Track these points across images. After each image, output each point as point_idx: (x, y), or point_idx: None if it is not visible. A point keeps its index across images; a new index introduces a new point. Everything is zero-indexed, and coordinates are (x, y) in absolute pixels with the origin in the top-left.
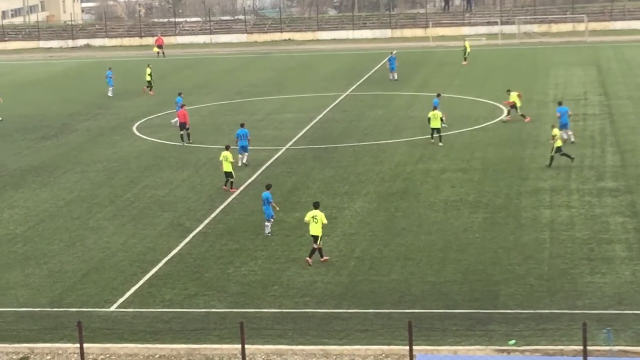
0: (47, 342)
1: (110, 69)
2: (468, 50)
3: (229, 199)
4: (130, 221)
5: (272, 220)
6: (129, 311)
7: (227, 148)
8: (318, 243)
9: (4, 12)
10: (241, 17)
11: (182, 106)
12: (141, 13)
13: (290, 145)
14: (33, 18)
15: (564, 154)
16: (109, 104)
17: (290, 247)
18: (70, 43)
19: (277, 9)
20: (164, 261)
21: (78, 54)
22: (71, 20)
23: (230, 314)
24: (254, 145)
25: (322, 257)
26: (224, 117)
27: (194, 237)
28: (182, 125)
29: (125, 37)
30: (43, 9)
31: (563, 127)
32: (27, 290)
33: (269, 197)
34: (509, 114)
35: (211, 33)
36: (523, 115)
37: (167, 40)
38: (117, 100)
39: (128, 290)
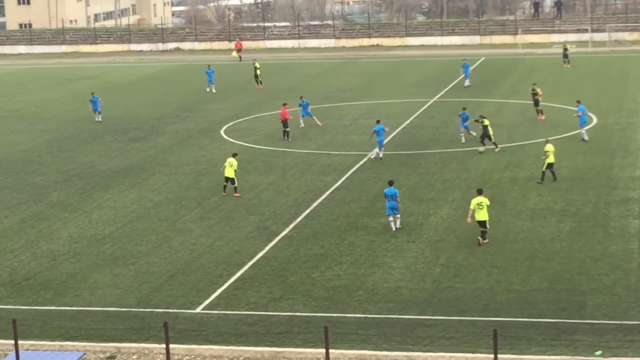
0: (134, 342)
1: (209, 66)
2: (569, 51)
3: (315, 204)
4: (216, 224)
5: (397, 215)
6: (214, 313)
7: (234, 155)
8: (487, 227)
9: (96, 15)
10: (329, 22)
11: (284, 104)
12: (230, 17)
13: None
14: (124, 21)
15: (552, 172)
16: (198, 107)
17: (375, 253)
18: (160, 46)
19: (366, 15)
20: (249, 264)
21: (168, 57)
22: (162, 24)
23: (314, 318)
24: (341, 151)
25: (484, 239)
26: (311, 122)
27: (279, 240)
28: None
29: (214, 40)
30: (134, 13)
31: (582, 124)
32: (115, 290)
33: (395, 193)
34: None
35: (299, 38)
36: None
37: (255, 44)
38: (206, 104)
39: (214, 292)
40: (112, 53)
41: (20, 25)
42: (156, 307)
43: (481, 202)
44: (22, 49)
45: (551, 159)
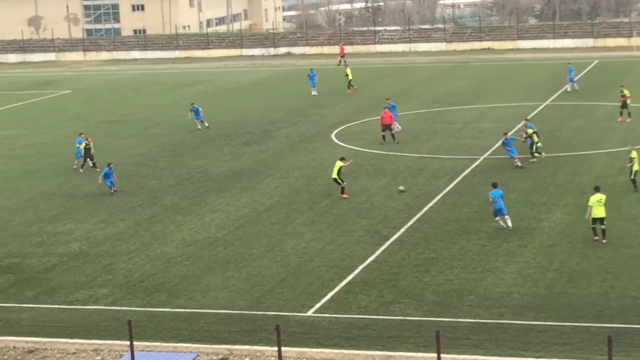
0: (246, 344)
1: (311, 70)
2: None
3: (426, 208)
4: (327, 227)
5: (506, 216)
6: (325, 316)
7: (342, 159)
8: (604, 224)
9: (208, 21)
10: (440, 25)
11: (385, 108)
12: (341, 21)
13: (488, 155)
14: (236, 26)
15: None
16: (309, 111)
17: (487, 257)
18: (272, 51)
19: (477, 18)
20: (360, 268)
21: (279, 62)
22: (273, 29)
23: (425, 322)
24: (452, 155)
25: (604, 237)
26: (422, 126)
27: (390, 244)
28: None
29: (325, 45)
30: (246, 18)
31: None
32: (227, 293)
33: (501, 194)
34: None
35: (410, 42)
36: (629, 114)
37: (366, 48)
38: (317, 108)
39: (325, 295)
40: (224, 58)
41: (135, 31)
42: (268, 310)
43: (601, 199)
44: (136, 54)
45: (636, 167)
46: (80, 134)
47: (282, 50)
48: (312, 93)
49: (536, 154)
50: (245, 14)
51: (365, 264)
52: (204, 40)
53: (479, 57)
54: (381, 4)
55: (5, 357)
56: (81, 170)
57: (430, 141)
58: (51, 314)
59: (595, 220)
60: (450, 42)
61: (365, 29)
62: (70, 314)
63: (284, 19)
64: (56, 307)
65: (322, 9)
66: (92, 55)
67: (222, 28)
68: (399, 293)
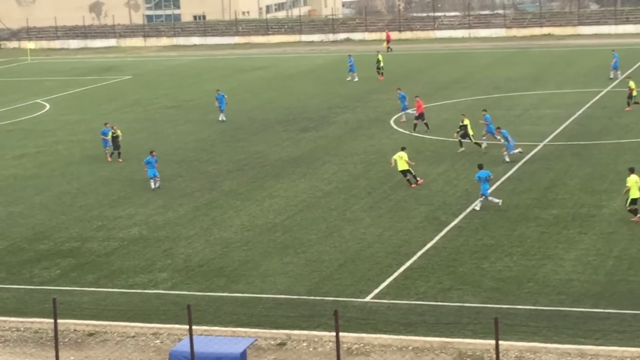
0: (304, 330)
1: (349, 56)
2: None
3: None
4: (386, 213)
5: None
6: (383, 302)
7: (403, 149)
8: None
9: (268, 7)
10: (500, 11)
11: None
12: (400, 7)
13: (548, 142)
14: (295, 12)
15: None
16: (367, 97)
17: (546, 244)
18: (330, 37)
19: (537, 3)
20: (418, 254)
21: (338, 48)
22: (332, 15)
23: (484, 309)
24: None
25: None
26: (480, 112)
27: (449, 231)
28: (420, 116)
29: (384, 31)
30: (305, 4)
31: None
32: (286, 278)
33: (489, 175)
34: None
35: (470, 27)
36: (637, 103)
37: (425, 34)
38: (375, 93)
39: (383, 281)
40: (283, 44)
41: (195, 17)
42: (326, 296)
43: (638, 181)
44: (196, 40)
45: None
46: (105, 124)
47: (341, 36)
48: (354, 79)
49: (477, 144)
50: (305, 0)
51: (423, 250)
52: (264, 26)
53: (539, 43)
54: None
55: (66, 339)
56: (109, 159)
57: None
58: (111, 297)
59: (634, 200)
60: (510, 28)
61: (425, 14)
62: (129, 297)
63: (343, 5)
64: (116, 290)
65: None
66: (152, 41)
67: (281, 14)
68: (458, 279)
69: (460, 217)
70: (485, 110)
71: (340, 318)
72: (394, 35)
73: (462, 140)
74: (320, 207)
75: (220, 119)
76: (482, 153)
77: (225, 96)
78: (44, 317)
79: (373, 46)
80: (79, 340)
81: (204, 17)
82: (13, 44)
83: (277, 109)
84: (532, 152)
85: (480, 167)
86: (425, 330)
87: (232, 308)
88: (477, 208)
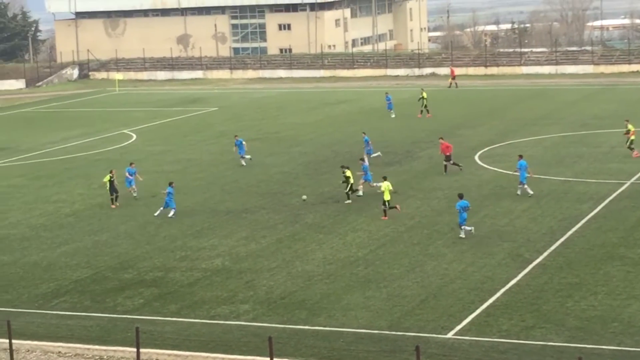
0: None
1: (387, 93)
2: None
3: (570, 232)
4: (469, 249)
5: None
6: (465, 339)
7: (385, 178)
8: None
9: (354, 41)
10: (588, 48)
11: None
12: (487, 43)
13: (635, 180)
14: (381, 46)
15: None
16: (452, 132)
17: (632, 284)
18: (416, 71)
19: (626, 40)
20: (501, 291)
21: (424, 82)
22: (418, 49)
23: (567, 348)
24: (598, 179)
25: None
26: (567, 149)
27: (532, 268)
28: (448, 157)
29: (470, 66)
30: (391, 38)
31: None
32: (367, 313)
33: (467, 205)
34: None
35: (557, 64)
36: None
37: (512, 70)
38: (460, 129)
39: (465, 318)
40: (369, 78)
41: (281, 50)
42: (407, 331)
43: None
44: (282, 73)
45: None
46: (131, 164)
47: (427, 70)
48: (392, 116)
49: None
50: (391, 34)
51: (506, 287)
52: (349, 60)
53: (627, 80)
54: (528, 25)
55: None
56: (113, 206)
57: (576, 164)
58: (193, 327)
59: None
60: (598, 64)
61: (511, 50)
62: (211, 328)
63: (429, 40)
64: (198, 321)
65: (468, 29)
66: (239, 74)
67: (367, 48)
68: (541, 318)
69: (545, 254)
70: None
71: (422, 354)
72: (480, 70)
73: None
74: (402, 242)
75: (242, 164)
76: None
77: (244, 142)
78: (126, 346)
79: (459, 81)
80: None
81: (290, 50)
82: (102, 75)
83: (361, 143)
84: (619, 190)
85: (461, 196)
86: None
87: (313, 341)
88: (462, 235)
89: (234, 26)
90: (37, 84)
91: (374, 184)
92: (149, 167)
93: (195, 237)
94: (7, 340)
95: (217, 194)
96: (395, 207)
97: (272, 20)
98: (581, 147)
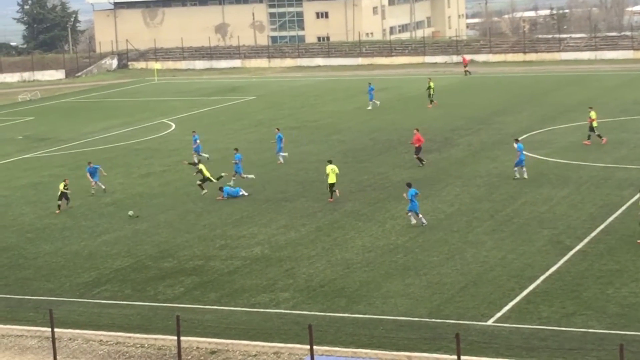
0: (425, 352)
1: (370, 84)
2: None
3: (610, 219)
4: (509, 236)
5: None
6: (505, 326)
7: (330, 162)
8: None
9: (391, 28)
10: (628, 33)
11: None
12: (525, 29)
13: None
14: (419, 34)
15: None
16: (491, 119)
17: None
18: (454, 58)
19: None
20: (541, 278)
21: (462, 69)
22: (456, 36)
23: (608, 335)
24: (638, 165)
25: None
26: (607, 135)
27: (573, 255)
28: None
29: (509, 52)
30: (429, 25)
31: None
32: (407, 300)
33: (415, 193)
34: (589, 137)
35: (596, 49)
36: (600, 136)
37: (550, 56)
38: (499, 116)
39: (505, 305)
40: (407, 65)
41: (319, 38)
42: (447, 318)
43: None
44: (319, 61)
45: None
46: (89, 163)
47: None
48: (368, 108)
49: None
50: (429, 21)
51: (547, 274)
52: (387, 48)
53: None
54: (566, 11)
55: (189, 357)
56: (57, 212)
57: (616, 151)
58: (233, 316)
59: None
60: (638, 49)
61: (550, 36)
62: (251, 316)
63: (467, 27)
64: (238, 309)
65: (506, 16)
66: (277, 62)
67: (405, 35)
68: (582, 304)
69: (585, 241)
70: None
71: (462, 341)
72: (519, 57)
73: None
74: (442, 229)
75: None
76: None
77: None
78: (167, 334)
79: (498, 68)
80: (202, 358)
81: (328, 38)
82: (140, 65)
83: (399, 131)
84: None
85: (409, 185)
86: (548, 356)
87: (353, 329)
88: (414, 222)
89: (272, 15)
90: (77, 74)
91: (245, 176)
92: (189, 156)
93: (234, 226)
94: (50, 329)
95: (256, 183)
96: (335, 192)
97: (309, 9)
98: (621, 133)
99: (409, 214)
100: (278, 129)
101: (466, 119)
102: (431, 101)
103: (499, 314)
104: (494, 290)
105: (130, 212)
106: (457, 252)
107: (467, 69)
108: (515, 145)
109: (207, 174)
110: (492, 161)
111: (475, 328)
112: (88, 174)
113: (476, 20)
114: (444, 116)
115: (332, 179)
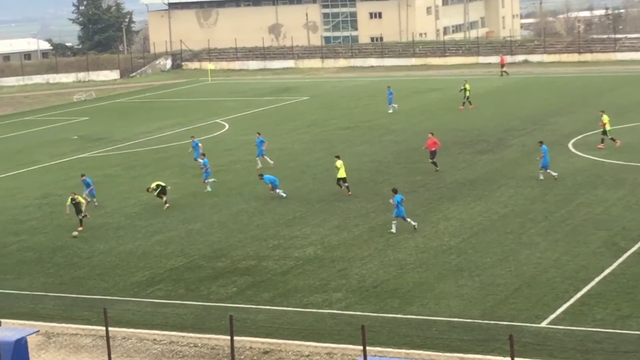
0: (478, 354)
1: (389, 87)
2: None
3: None
4: (563, 238)
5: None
6: (559, 328)
7: (338, 157)
8: None
9: (445, 28)
10: None
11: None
12: (580, 29)
13: None
14: (473, 34)
15: None
16: (545, 119)
17: None
18: (508, 59)
19: None
20: (596, 280)
21: (516, 70)
22: (510, 36)
23: None
24: None
25: None
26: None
27: (628, 257)
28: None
29: (563, 53)
30: (483, 25)
31: None
32: (460, 301)
33: (401, 199)
34: (602, 141)
35: None
36: (613, 139)
37: (606, 56)
38: (553, 116)
39: (559, 307)
40: (460, 65)
41: (372, 39)
42: (500, 320)
43: None
44: (372, 61)
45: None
46: (82, 175)
47: (519, 58)
48: (389, 111)
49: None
50: (483, 21)
51: (601, 276)
52: (441, 48)
53: None
54: (622, 11)
55: (242, 356)
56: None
57: None
58: (286, 316)
59: None
60: None
61: (605, 36)
62: (304, 316)
63: (521, 27)
64: (291, 309)
65: (561, 16)
66: (330, 63)
67: (458, 35)
68: (637, 307)
69: None
70: None
71: (516, 343)
72: (573, 57)
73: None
74: (495, 231)
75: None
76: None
77: (200, 144)
78: (220, 334)
79: (552, 68)
80: (255, 357)
81: (381, 38)
82: (194, 65)
83: (453, 131)
84: None
85: (395, 191)
86: (603, 359)
87: (406, 330)
88: (393, 230)
89: (325, 15)
90: (131, 75)
91: (208, 180)
92: (242, 156)
93: (287, 226)
94: (104, 328)
95: (309, 183)
96: (346, 188)
97: (363, 9)
98: None
99: (394, 221)
100: (259, 134)
101: (520, 119)
102: (463, 103)
103: (553, 316)
104: (547, 292)
105: (75, 233)
106: (511, 253)
107: (504, 69)
108: (541, 147)
109: (82, 209)
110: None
111: (528, 330)
112: (84, 187)
113: (530, 20)
114: (497, 117)
115: (341, 174)
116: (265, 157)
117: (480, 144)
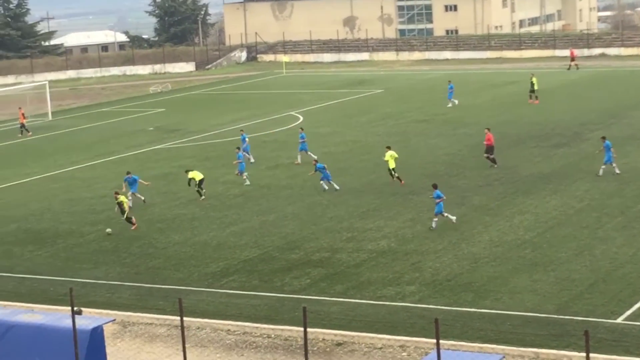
0: (553, 349)
1: (449, 81)
2: None
3: None
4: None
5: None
6: (635, 324)
7: (389, 148)
8: None
9: (521, 21)
10: None
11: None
12: None
13: None
14: (549, 27)
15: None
16: (623, 113)
17: None
18: (585, 52)
19: None
20: None
21: (593, 63)
22: (587, 29)
23: None
24: None
25: None
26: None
27: None
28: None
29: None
30: (559, 18)
31: None
32: (534, 296)
33: (439, 195)
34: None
35: None
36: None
37: None
38: (631, 110)
39: (635, 303)
40: (536, 59)
41: (447, 32)
42: (575, 315)
43: None
44: (447, 54)
45: None
46: (127, 172)
47: (596, 51)
48: (448, 105)
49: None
50: (559, 14)
51: None
52: (516, 41)
53: None
54: None
55: (315, 348)
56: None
57: None
58: (359, 308)
59: None
60: None
61: None
62: (377, 309)
63: (598, 20)
64: (364, 302)
65: (639, 9)
66: (405, 55)
67: (534, 28)
68: None
69: None
70: None
71: (591, 339)
72: None
73: None
74: (571, 225)
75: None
76: None
77: (247, 138)
78: (293, 325)
79: (630, 61)
80: (328, 349)
81: (456, 31)
82: (269, 57)
83: (529, 125)
84: None
85: (435, 186)
86: None
87: (480, 324)
88: (434, 226)
89: (400, 7)
90: (207, 67)
91: (244, 174)
92: (316, 149)
93: (361, 218)
94: (179, 318)
95: (383, 176)
96: (397, 179)
97: (438, 2)
98: None
99: (436, 217)
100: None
101: (597, 112)
102: (530, 97)
103: (629, 312)
104: (623, 288)
105: (108, 230)
106: (586, 248)
107: (574, 62)
108: (603, 143)
109: (125, 208)
110: (623, 156)
111: (604, 326)
112: (125, 184)
113: (608, 13)
114: (574, 110)
115: (392, 164)
116: (309, 152)
117: (556, 138)
